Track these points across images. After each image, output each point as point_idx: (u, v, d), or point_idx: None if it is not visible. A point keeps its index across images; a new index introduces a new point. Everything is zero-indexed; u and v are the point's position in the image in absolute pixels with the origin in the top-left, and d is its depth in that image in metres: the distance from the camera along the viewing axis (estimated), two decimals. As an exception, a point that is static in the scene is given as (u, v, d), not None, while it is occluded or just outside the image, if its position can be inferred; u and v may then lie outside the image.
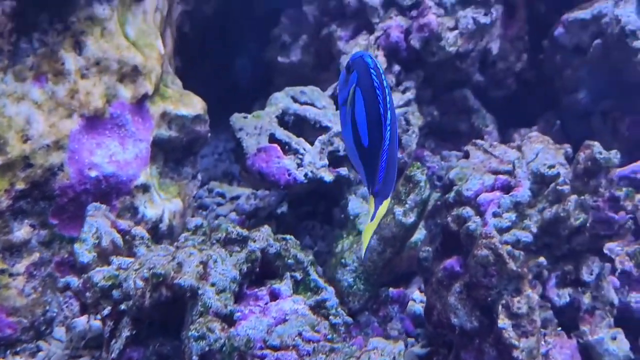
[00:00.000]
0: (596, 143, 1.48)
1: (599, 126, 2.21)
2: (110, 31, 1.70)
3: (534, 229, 1.46)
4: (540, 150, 1.91)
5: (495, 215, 1.54)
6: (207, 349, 1.20)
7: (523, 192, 1.56)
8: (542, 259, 1.43)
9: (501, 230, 1.49)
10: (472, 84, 2.29)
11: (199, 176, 2.14)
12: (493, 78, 2.39)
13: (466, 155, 2.00)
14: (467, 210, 1.57)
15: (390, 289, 1.77)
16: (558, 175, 1.52)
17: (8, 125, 1.55)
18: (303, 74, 2.48)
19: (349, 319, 1.54)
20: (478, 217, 1.53)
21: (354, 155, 1.32)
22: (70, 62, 1.63)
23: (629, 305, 1.65)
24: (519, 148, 1.96)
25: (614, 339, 1.46)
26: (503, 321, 1.33)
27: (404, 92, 2.09)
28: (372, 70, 1.21)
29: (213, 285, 1.33)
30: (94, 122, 1.67)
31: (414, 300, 1.79)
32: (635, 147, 2.11)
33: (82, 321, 1.61)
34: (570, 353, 1.44)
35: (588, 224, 1.45)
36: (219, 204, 2.34)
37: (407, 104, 2.08)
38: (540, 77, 2.43)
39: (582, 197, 1.44)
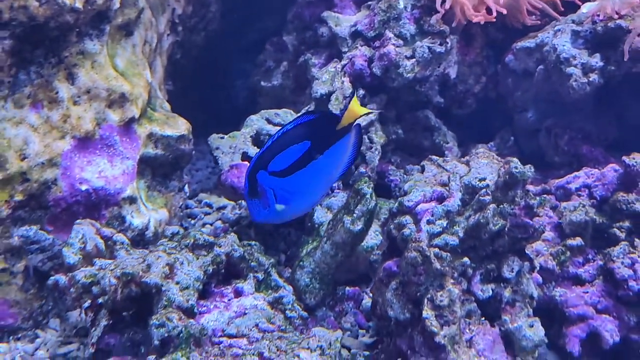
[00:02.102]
0: (514, 159, 1.62)
1: (544, 142, 2.35)
2: (100, 64, 1.87)
3: (461, 234, 1.60)
4: (484, 165, 2.06)
5: (429, 222, 1.68)
6: (166, 335, 1.35)
7: (453, 202, 1.71)
8: (466, 259, 1.57)
9: (433, 236, 1.64)
10: (433, 104, 2.44)
11: (186, 188, 2.31)
12: (454, 99, 2.53)
13: (422, 170, 2.15)
14: (406, 219, 1.72)
15: (347, 288, 1.92)
16: (485, 187, 1.66)
17: (8, 145, 1.73)
18: (284, 96, 2.64)
19: (304, 313, 1.69)
20: (413, 224, 1.68)
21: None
22: (63, 91, 1.80)
23: (553, 298, 1.80)
24: (467, 163, 2.11)
25: (531, 326, 1.60)
26: (427, 312, 1.48)
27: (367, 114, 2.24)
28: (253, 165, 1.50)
29: (177, 283, 1.50)
30: (85, 142, 1.84)
31: (370, 297, 1.93)
32: (573, 159, 2.25)
33: (75, 314, 1.78)
34: (492, 339, 1.57)
35: (507, 229, 1.59)
36: (206, 214, 2.49)
37: (370, 124, 2.23)
38: (497, 97, 2.57)
39: (501, 206, 1.58)
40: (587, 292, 1.81)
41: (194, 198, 2.62)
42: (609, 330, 1.76)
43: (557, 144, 2.27)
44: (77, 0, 1.72)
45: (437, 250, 1.55)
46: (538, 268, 1.74)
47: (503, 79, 2.46)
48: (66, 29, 1.76)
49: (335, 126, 1.56)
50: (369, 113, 1.57)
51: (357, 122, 1.59)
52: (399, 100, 2.37)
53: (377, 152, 2.23)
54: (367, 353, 1.67)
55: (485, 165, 2.06)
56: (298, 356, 1.34)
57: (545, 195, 1.98)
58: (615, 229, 1.85)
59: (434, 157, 2.16)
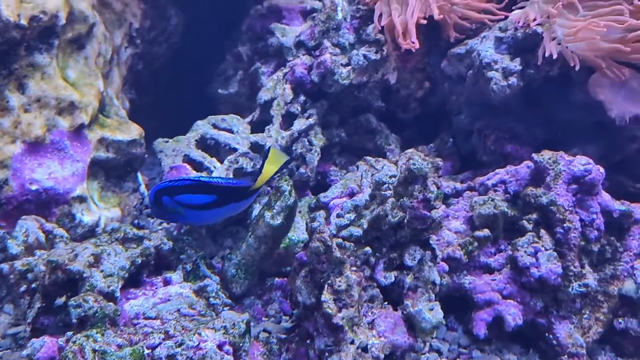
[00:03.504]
0: (415, 156, 1.75)
1: (476, 142, 2.47)
2: (49, 75, 2.03)
3: (365, 226, 1.73)
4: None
5: (338, 216, 1.82)
6: (82, 314, 1.50)
7: (361, 197, 1.85)
8: (367, 248, 1.71)
9: (341, 227, 1.78)
10: (375, 109, 2.57)
11: (142, 189, 2.46)
12: (398, 103, 2.66)
13: (357, 169, 2.29)
14: (320, 213, 1.86)
15: (276, 279, 2.06)
16: (387, 182, 1.80)
17: (-37, 149, 1.90)
18: (240, 103, 2.78)
19: (228, 301, 1.84)
20: (324, 218, 1.82)
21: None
22: (14, 100, 1.96)
23: (462, 285, 1.93)
24: (396, 163, 2.25)
25: (431, 309, 1.72)
26: (325, 296, 1.61)
27: (307, 118, 2.39)
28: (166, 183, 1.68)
29: (102, 271, 1.65)
30: (35, 146, 2.00)
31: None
32: (500, 158, 2.37)
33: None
34: (393, 321, 1.70)
35: (407, 221, 1.72)
36: (163, 214, 2.64)
37: (309, 128, 2.37)
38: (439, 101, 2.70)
39: (401, 200, 1.71)
40: (495, 280, 1.93)
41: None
42: (512, 314, 1.88)
43: (485, 144, 2.40)
44: (22, 17, 1.88)
45: (340, 240, 1.69)
46: (446, 257, 1.86)
47: (441, 84, 2.59)
48: (14, 43, 1.92)
49: (245, 191, 1.77)
50: (279, 171, 1.78)
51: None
52: (340, 105, 2.51)
53: (316, 154, 2.37)
54: (283, 336, 1.80)
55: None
56: (200, 334, 1.48)
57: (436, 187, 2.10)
58: (524, 221, 1.97)
59: (367, 157, 2.29)
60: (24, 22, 1.89)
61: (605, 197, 2.00)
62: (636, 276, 2.02)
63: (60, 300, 1.64)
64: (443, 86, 2.59)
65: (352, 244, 1.70)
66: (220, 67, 2.96)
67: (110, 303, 1.56)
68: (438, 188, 1.96)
